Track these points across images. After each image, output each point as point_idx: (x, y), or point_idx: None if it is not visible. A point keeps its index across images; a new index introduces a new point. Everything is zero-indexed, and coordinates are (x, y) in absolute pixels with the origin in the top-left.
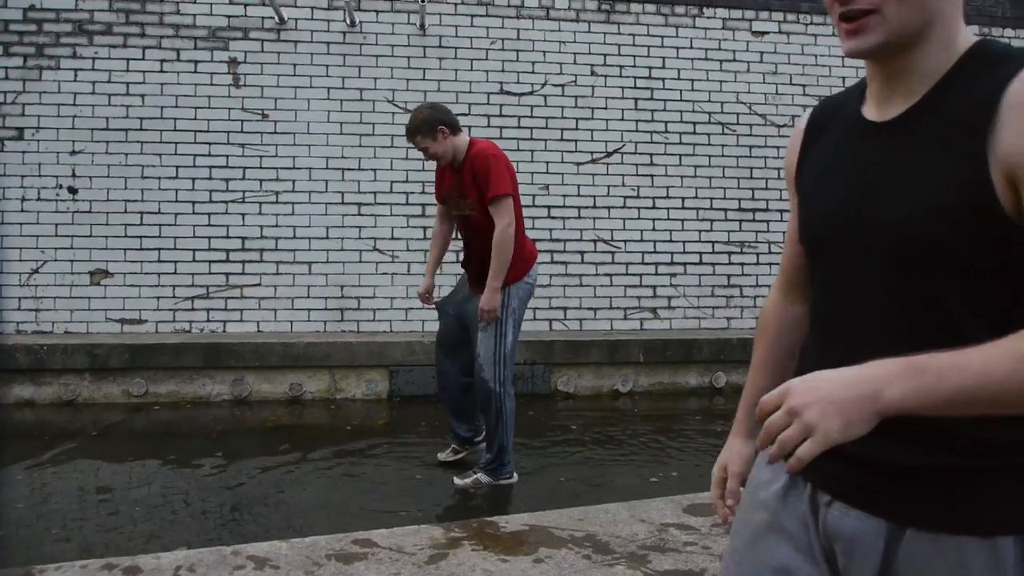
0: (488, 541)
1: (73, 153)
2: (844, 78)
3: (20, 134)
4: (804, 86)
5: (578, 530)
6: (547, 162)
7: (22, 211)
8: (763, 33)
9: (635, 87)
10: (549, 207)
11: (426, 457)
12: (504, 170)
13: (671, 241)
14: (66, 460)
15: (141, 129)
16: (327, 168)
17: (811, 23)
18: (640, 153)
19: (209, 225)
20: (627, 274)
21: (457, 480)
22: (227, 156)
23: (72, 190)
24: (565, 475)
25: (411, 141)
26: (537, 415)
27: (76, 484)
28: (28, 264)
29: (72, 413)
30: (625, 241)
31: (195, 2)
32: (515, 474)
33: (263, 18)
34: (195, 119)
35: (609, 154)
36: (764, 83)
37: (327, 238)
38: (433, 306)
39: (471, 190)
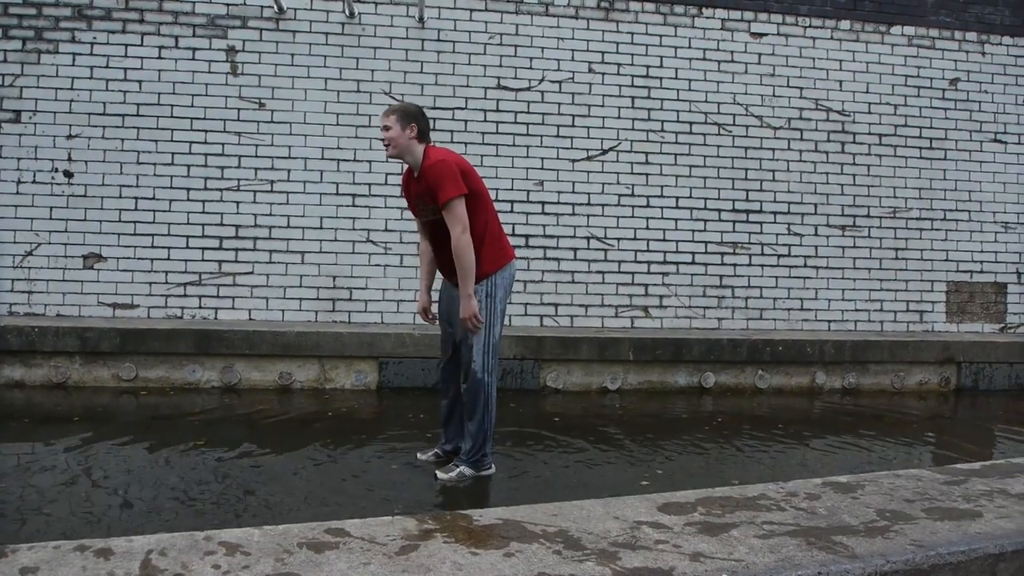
0: (460, 534)
1: (70, 137)
2: (841, 82)
3: (17, 117)
4: (801, 89)
5: (551, 525)
6: (542, 158)
7: (17, 193)
8: (762, 35)
9: (632, 85)
10: (543, 203)
11: (411, 449)
12: (452, 174)
13: (664, 240)
14: (52, 442)
15: (138, 115)
16: (322, 158)
17: (810, 26)
18: (635, 151)
19: (203, 212)
20: (619, 272)
21: (440, 474)
22: (223, 144)
23: (68, 174)
24: (548, 471)
25: (384, 116)
26: (525, 410)
27: (59, 466)
28: (22, 246)
29: (62, 396)
30: (618, 239)
31: None
32: (492, 465)
33: (262, 7)
34: (192, 106)
35: (604, 152)
36: (761, 85)
37: (321, 228)
38: (431, 321)
39: (429, 199)
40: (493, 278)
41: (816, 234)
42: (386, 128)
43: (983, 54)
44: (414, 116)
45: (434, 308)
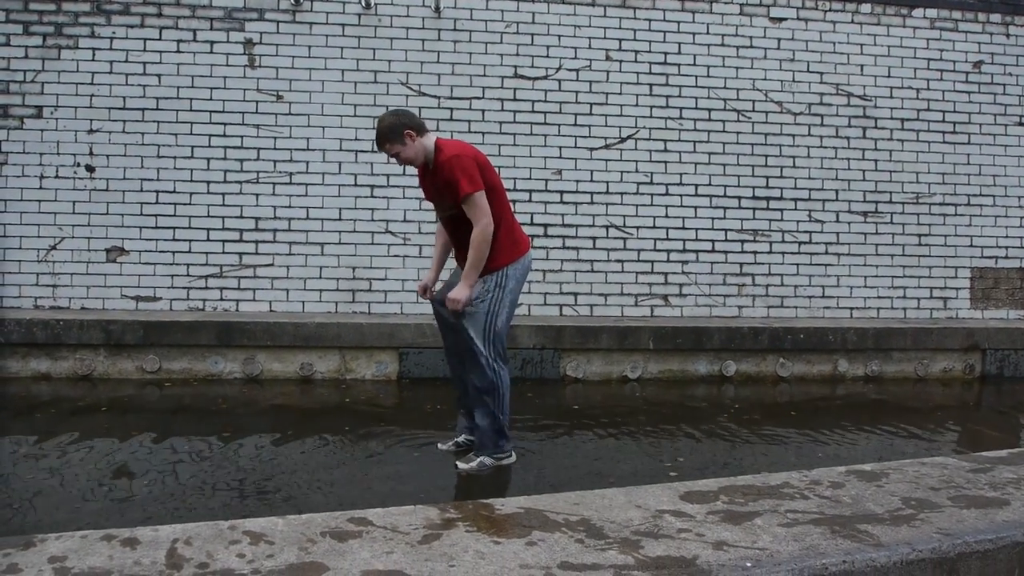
0: (482, 523)
1: (91, 132)
2: (862, 66)
3: (39, 112)
4: (822, 74)
5: (573, 514)
6: (560, 147)
7: (41, 188)
8: (781, 19)
9: (650, 73)
10: (562, 192)
11: (432, 438)
12: (469, 168)
13: (683, 228)
14: (79, 433)
15: (157, 109)
16: (341, 150)
17: (830, 10)
18: (654, 140)
19: (223, 205)
20: (639, 261)
21: (461, 464)
22: (242, 137)
23: (89, 168)
24: (569, 460)
25: (381, 149)
26: (545, 400)
27: (86, 457)
28: (46, 241)
29: (87, 387)
30: (637, 228)
31: None
32: (512, 452)
33: None
34: (211, 99)
35: (623, 140)
36: (781, 70)
37: (340, 219)
38: (429, 300)
39: (447, 194)
40: (506, 270)
41: (838, 221)
42: (395, 155)
43: (1007, 36)
44: (400, 124)
45: (437, 287)
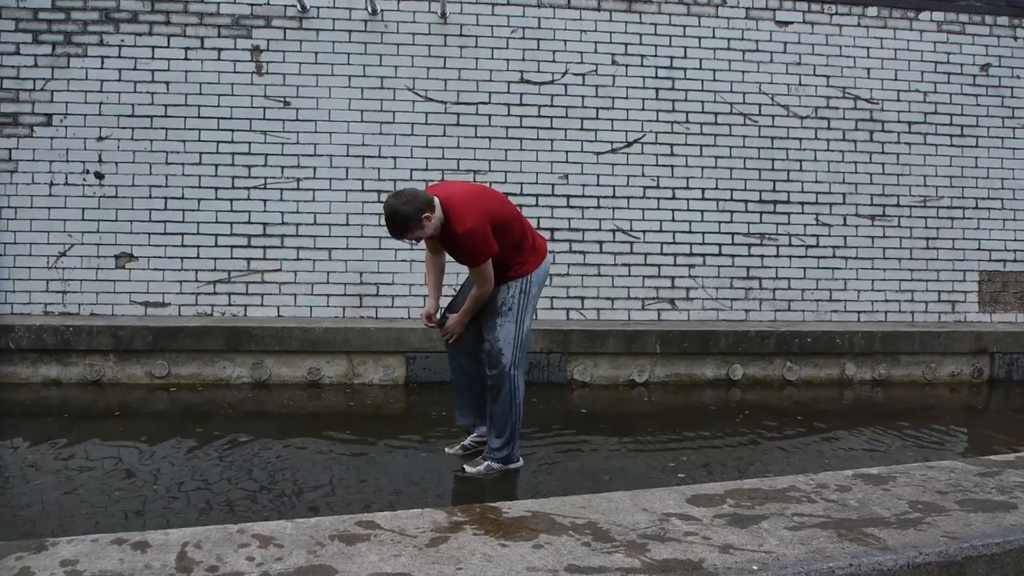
0: (490, 526)
1: (100, 139)
2: (869, 69)
3: (49, 120)
4: (828, 77)
5: (580, 517)
6: (567, 151)
7: (50, 195)
8: (787, 23)
9: (656, 77)
10: (568, 196)
11: (439, 442)
12: (484, 241)
13: (690, 232)
14: (89, 438)
15: (165, 116)
16: (348, 156)
17: (836, 13)
18: (660, 143)
19: (231, 211)
20: (645, 264)
21: (468, 468)
22: (249, 143)
23: (99, 175)
24: (576, 463)
25: (401, 238)
26: (552, 403)
27: (97, 461)
28: (56, 247)
29: (97, 393)
30: (644, 231)
31: None
32: (520, 457)
33: (286, 6)
34: (218, 106)
35: (629, 144)
36: (787, 73)
37: (347, 225)
38: (435, 325)
39: (458, 256)
40: (530, 276)
41: (845, 224)
42: (417, 239)
43: (1015, 38)
44: (418, 210)
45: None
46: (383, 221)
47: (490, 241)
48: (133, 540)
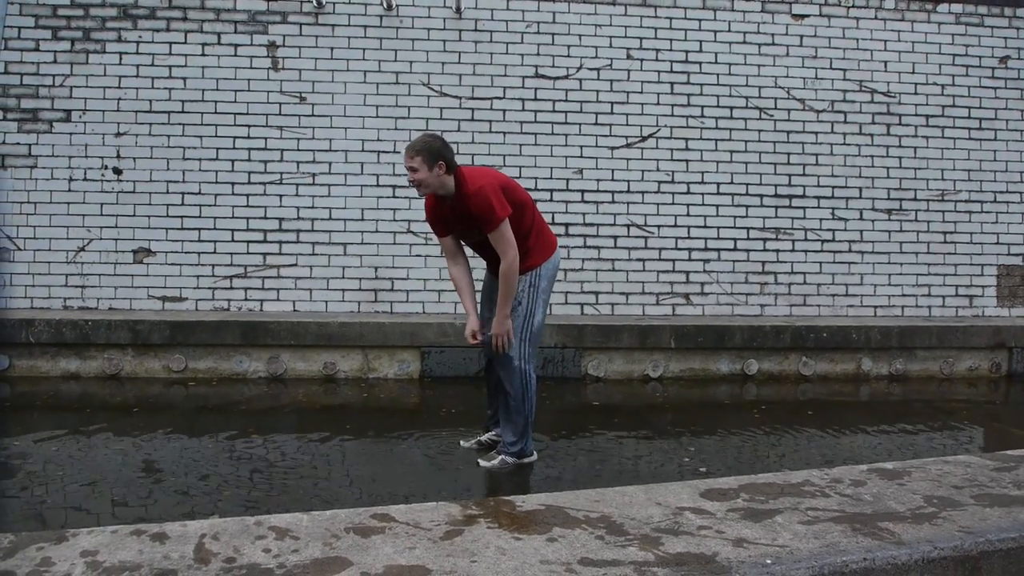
0: (504, 519)
1: (118, 135)
2: (886, 62)
3: (68, 116)
4: (845, 71)
5: (593, 511)
6: (581, 146)
7: (69, 191)
8: (803, 16)
9: (671, 71)
10: (583, 191)
11: (453, 437)
12: (497, 199)
13: (705, 227)
14: (108, 431)
15: (183, 111)
16: (363, 150)
17: (853, 6)
18: (675, 138)
19: (248, 206)
20: (660, 259)
21: (483, 462)
22: (266, 138)
23: (117, 171)
24: (590, 457)
25: (408, 157)
26: (567, 398)
27: (115, 454)
28: (75, 242)
29: (116, 387)
30: (659, 226)
31: None
32: (534, 451)
33: (302, 2)
34: (235, 102)
35: (644, 139)
36: (803, 67)
37: (362, 220)
38: (479, 344)
39: (475, 226)
40: (539, 269)
41: (861, 218)
42: (412, 169)
43: None
44: (439, 152)
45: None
46: (397, 216)
47: (503, 200)
48: (152, 531)
